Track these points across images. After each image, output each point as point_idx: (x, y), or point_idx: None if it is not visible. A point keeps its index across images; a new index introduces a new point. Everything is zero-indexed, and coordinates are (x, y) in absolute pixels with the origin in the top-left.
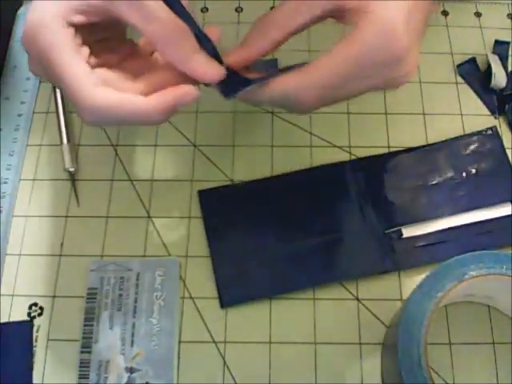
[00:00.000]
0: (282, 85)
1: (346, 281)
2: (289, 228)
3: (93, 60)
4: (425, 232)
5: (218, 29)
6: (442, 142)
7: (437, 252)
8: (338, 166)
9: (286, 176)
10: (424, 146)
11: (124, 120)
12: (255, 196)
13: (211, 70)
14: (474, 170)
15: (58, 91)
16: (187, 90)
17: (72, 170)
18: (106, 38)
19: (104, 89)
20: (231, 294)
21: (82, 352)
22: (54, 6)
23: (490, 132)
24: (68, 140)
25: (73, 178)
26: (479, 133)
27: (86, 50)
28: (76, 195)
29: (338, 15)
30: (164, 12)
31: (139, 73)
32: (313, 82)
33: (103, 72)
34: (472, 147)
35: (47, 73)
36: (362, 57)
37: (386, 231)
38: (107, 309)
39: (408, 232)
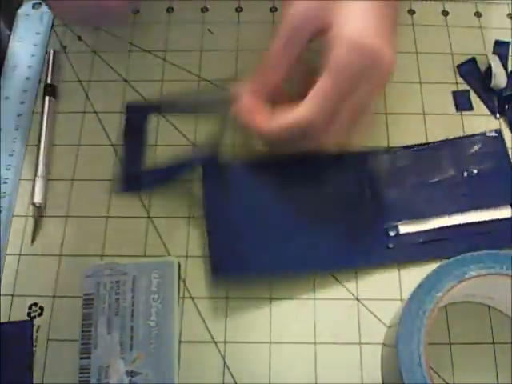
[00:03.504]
0: (286, 122)
1: (339, 271)
2: (286, 212)
3: None
4: (422, 229)
5: None
6: (445, 140)
7: (433, 249)
8: (342, 157)
9: (290, 160)
10: (427, 144)
11: None
12: (258, 176)
13: None
14: (475, 171)
15: (44, 123)
16: None
17: (39, 204)
18: None
19: None
20: (224, 267)
21: (81, 358)
22: None
23: (494, 134)
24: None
25: (39, 213)
26: (483, 134)
27: None
28: (35, 231)
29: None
30: None
31: None
32: (312, 112)
33: None
34: (475, 148)
35: None
36: (344, 75)
37: (384, 226)
38: (105, 314)
39: (405, 228)
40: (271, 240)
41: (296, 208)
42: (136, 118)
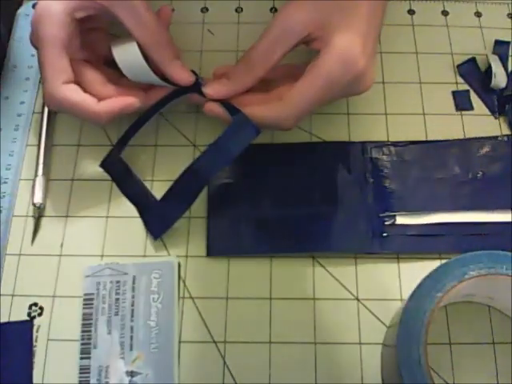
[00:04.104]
0: (261, 115)
1: (330, 254)
2: (286, 194)
3: (80, 54)
4: (418, 222)
5: (170, 10)
6: (455, 140)
7: (427, 244)
8: (350, 145)
9: (294, 146)
10: (436, 142)
11: (77, 115)
12: (262, 158)
13: (185, 75)
14: (481, 173)
15: (44, 123)
16: (131, 102)
17: (39, 204)
18: (95, 29)
19: (70, 88)
20: (219, 244)
21: (81, 358)
22: (60, 2)
23: (505, 139)
24: (43, 173)
25: (39, 214)
26: (494, 138)
27: (76, 42)
28: (35, 231)
29: (307, 42)
30: (154, 21)
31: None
32: (288, 112)
33: (86, 71)
34: (484, 150)
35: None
36: (327, 83)
37: (381, 214)
38: (104, 314)
39: (402, 219)
40: (271, 222)
41: (296, 192)
42: (115, 168)
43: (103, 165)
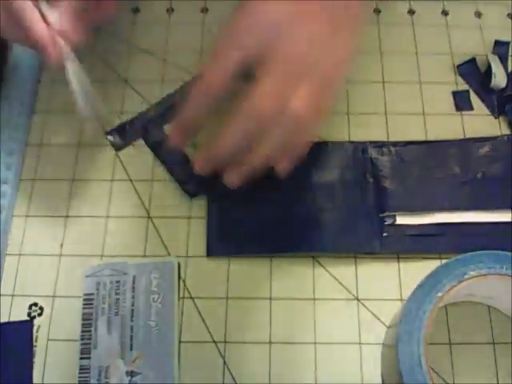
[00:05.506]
0: None
1: (330, 254)
2: (286, 194)
3: None
4: (418, 222)
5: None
6: (455, 140)
7: (427, 244)
8: (350, 145)
9: None
10: (436, 142)
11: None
12: None
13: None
14: (481, 173)
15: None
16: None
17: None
18: None
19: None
20: (219, 244)
21: (81, 358)
22: None
23: (505, 139)
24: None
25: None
26: (494, 138)
27: None
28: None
29: None
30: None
31: None
32: None
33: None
34: (484, 150)
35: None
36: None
37: (381, 214)
38: (104, 314)
39: (402, 219)
40: (271, 222)
41: (297, 193)
42: (152, 136)
43: (142, 134)
